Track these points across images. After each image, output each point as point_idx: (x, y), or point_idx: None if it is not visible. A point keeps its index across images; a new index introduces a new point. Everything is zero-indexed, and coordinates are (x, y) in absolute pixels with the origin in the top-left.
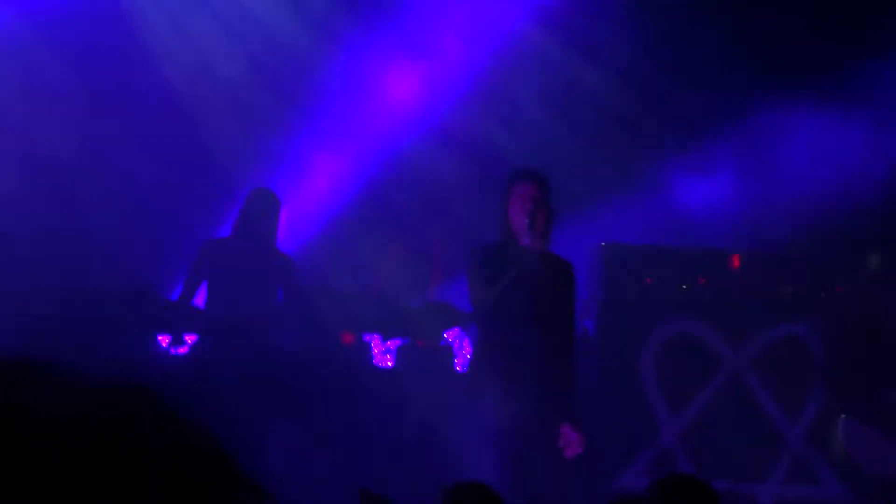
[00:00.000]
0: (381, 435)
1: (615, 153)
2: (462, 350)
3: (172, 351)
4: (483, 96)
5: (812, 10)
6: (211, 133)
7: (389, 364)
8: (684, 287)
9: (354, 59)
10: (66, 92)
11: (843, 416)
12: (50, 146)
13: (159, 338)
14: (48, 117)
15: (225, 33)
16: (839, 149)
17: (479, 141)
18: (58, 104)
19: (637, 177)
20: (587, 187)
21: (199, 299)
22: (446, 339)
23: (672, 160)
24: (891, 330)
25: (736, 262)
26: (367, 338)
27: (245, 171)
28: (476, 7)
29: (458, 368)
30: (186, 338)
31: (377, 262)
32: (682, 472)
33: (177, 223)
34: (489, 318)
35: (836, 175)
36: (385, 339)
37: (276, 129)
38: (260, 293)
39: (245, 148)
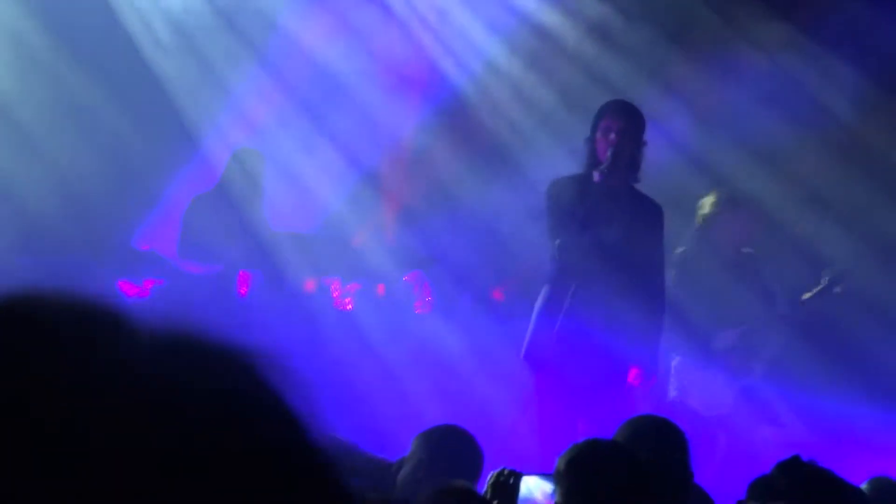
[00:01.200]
0: (343, 377)
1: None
2: (422, 293)
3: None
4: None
5: None
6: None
7: (349, 307)
8: None
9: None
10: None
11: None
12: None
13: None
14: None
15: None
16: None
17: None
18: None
19: None
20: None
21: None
22: (406, 282)
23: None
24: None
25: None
26: (326, 281)
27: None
28: None
29: (417, 311)
30: (147, 283)
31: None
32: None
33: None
34: (569, 253)
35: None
36: (345, 282)
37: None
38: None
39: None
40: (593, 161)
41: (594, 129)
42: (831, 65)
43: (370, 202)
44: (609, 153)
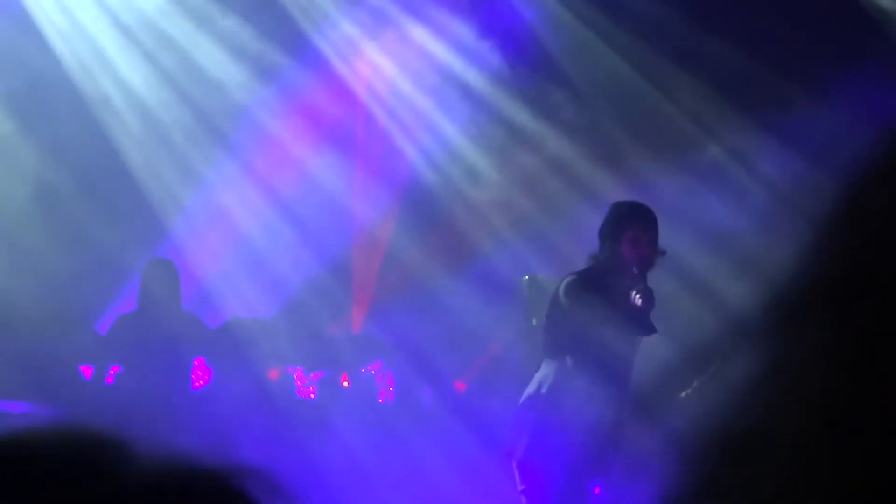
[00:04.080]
0: (306, 466)
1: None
2: (385, 383)
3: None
4: (412, 127)
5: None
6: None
7: (312, 396)
8: None
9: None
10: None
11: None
12: None
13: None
14: None
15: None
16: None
17: (408, 172)
18: None
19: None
20: (512, 222)
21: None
22: (369, 372)
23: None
24: None
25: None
26: (290, 370)
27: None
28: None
29: (380, 401)
30: (112, 369)
31: (300, 291)
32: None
33: (102, 252)
34: (595, 351)
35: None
36: (308, 371)
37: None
38: (173, 365)
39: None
40: (617, 269)
41: (619, 233)
42: (792, 162)
43: (337, 291)
44: (637, 266)
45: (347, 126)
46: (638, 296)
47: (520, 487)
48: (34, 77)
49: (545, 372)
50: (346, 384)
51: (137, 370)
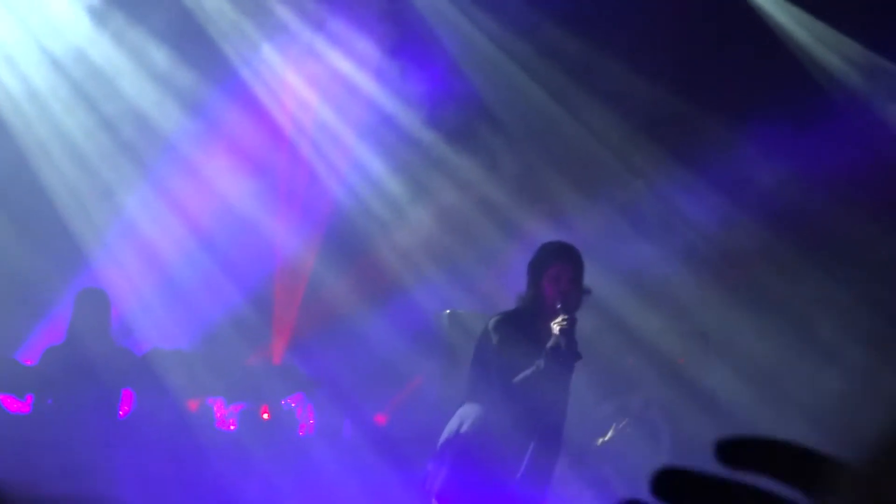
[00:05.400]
0: (225, 499)
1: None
2: (305, 415)
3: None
4: (336, 159)
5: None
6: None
7: (232, 428)
8: None
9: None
10: None
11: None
12: None
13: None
14: None
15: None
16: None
17: (330, 204)
18: None
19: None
20: (433, 256)
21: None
22: (289, 404)
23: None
24: None
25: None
26: (210, 401)
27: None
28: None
29: (300, 433)
30: (29, 398)
31: (220, 322)
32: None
33: (23, 281)
34: (520, 391)
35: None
36: (228, 402)
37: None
38: (101, 396)
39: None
40: (540, 307)
41: (539, 272)
42: (713, 198)
43: (258, 322)
44: (560, 302)
45: (270, 157)
46: (557, 326)
47: None
48: None
49: (468, 410)
50: (266, 416)
51: (65, 402)
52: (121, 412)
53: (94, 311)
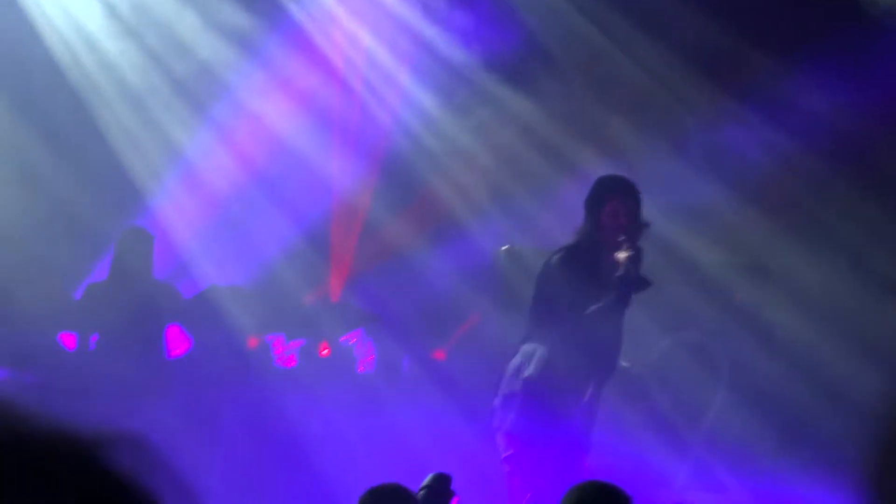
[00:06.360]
0: (285, 435)
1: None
2: (365, 352)
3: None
4: (390, 98)
5: None
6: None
7: (291, 365)
8: None
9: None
10: None
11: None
12: None
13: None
14: None
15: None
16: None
17: (386, 142)
18: None
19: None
20: (489, 193)
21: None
22: (348, 341)
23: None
24: None
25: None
26: (269, 338)
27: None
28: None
29: (360, 370)
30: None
31: (278, 260)
32: (596, 480)
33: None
34: (582, 325)
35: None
36: (288, 339)
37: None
38: (143, 333)
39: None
40: (600, 240)
41: (598, 206)
42: (765, 132)
43: (315, 260)
44: (621, 234)
45: (325, 96)
46: (624, 255)
47: (505, 453)
48: (11, 48)
49: (532, 346)
50: (325, 353)
51: (108, 338)
52: (173, 350)
53: (136, 250)
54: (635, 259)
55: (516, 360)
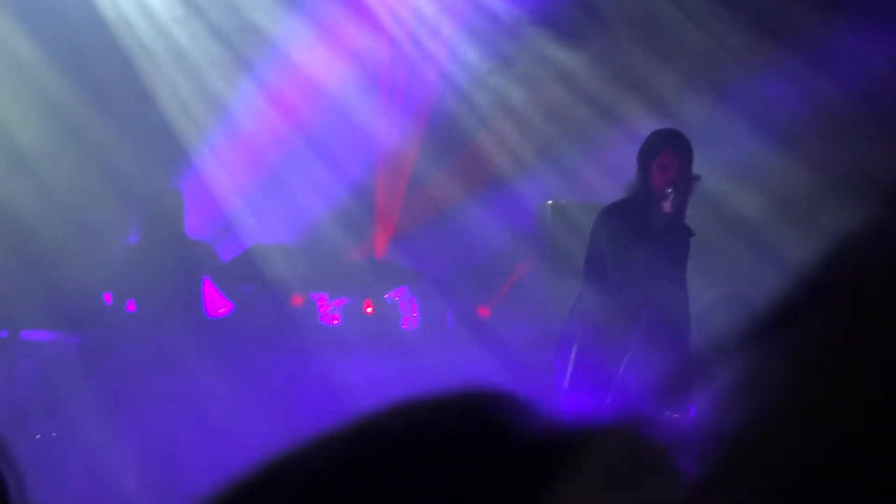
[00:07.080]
0: (330, 392)
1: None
2: (409, 309)
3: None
4: (437, 53)
5: None
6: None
7: (336, 322)
8: None
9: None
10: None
11: None
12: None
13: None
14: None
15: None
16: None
17: (432, 98)
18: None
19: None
20: (535, 148)
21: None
22: (392, 298)
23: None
24: None
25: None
26: (313, 296)
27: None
28: None
29: (403, 327)
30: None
31: (322, 217)
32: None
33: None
34: (635, 278)
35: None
36: (332, 297)
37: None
38: (179, 292)
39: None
40: (650, 194)
41: (649, 160)
42: (807, 80)
43: (360, 217)
44: (670, 190)
45: (372, 52)
46: (669, 205)
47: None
48: (61, 10)
49: (587, 303)
50: (369, 310)
51: (144, 298)
52: (219, 309)
53: (167, 211)
54: (680, 207)
55: (573, 316)
